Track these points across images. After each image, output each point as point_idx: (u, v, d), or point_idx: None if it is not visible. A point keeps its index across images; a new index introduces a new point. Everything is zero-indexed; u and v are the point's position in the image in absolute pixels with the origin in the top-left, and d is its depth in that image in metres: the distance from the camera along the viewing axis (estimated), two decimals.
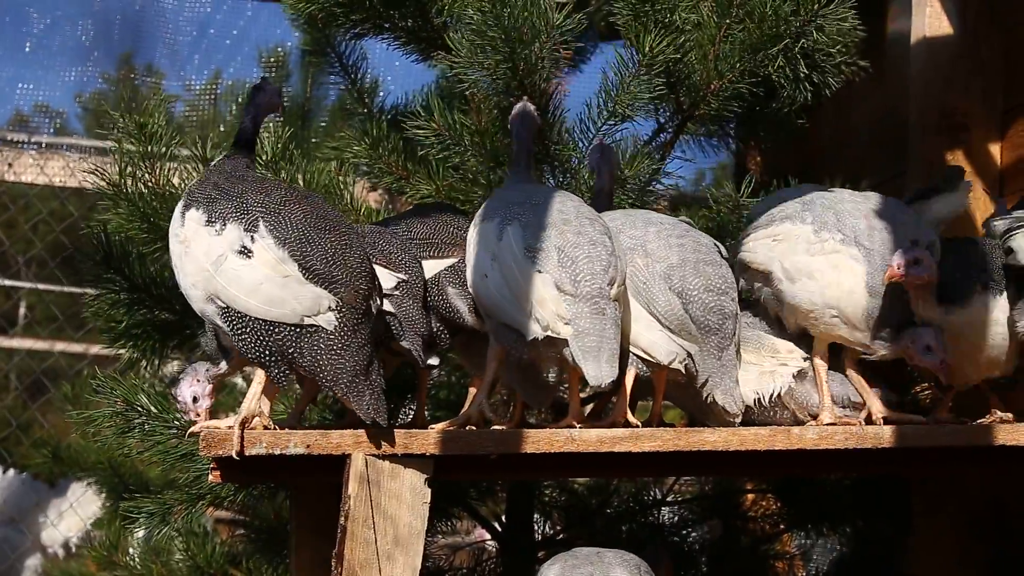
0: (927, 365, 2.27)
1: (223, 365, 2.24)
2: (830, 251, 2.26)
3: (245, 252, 2.01)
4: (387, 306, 2.18)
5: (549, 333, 2.02)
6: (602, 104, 2.79)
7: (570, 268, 2.03)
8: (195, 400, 2.23)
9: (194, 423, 2.17)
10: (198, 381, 2.25)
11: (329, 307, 2.00)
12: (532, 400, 2.46)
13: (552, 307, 2.02)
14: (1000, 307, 2.30)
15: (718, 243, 2.32)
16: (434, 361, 2.27)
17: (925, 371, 2.37)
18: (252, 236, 2.01)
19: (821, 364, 2.33)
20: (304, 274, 1.99)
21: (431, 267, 2.28)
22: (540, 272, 2.04)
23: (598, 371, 1.98)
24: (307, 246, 2.01)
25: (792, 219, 2.32)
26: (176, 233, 2.09)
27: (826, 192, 2.41)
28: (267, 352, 2.01)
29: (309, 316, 1.99)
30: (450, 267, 2.27)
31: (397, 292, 2.19)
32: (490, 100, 2.77)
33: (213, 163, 2.21)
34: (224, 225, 2.03)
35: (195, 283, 2.05)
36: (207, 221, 2.04)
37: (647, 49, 2.69)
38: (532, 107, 2.33)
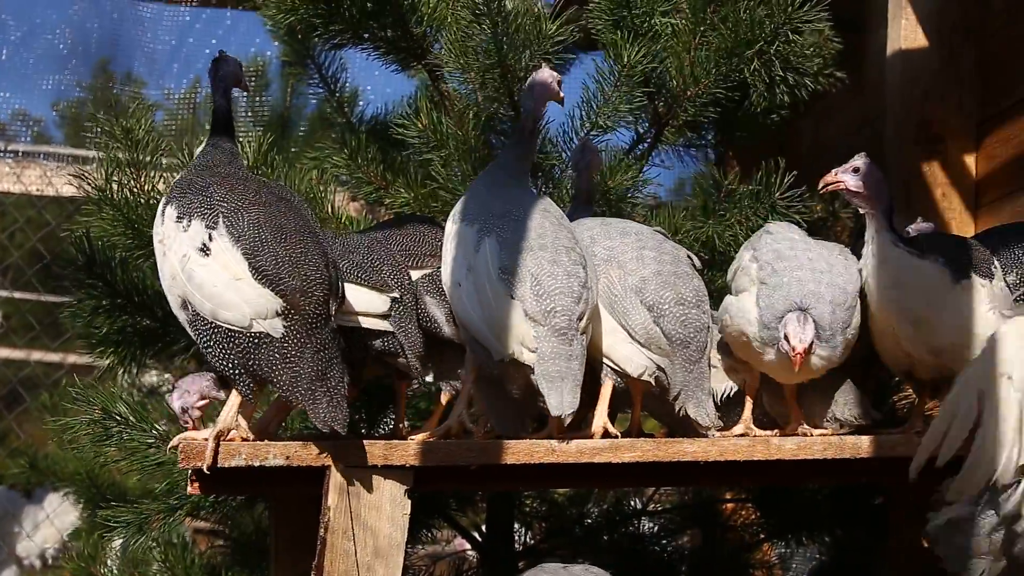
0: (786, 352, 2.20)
1: (221, 393, 2.25)
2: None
3: (204, 250, 1.99)
4: (385, 325, 2.18)
5: (515, 358, 2.04)
6: (584, 116, 2.80)
7: (542, 299, 2.03)
8: (183, 411, 2.26)
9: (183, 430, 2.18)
10: (188, 393, 2.26)
11: (276, 312, 1.96)
12: (500, 427, 2.40)
13: (520, 334, 2.03)
14: (982, 293, 2.27)
15: (692, 255, 2.33)
16: (430, 377, 2.28)
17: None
18: (211, 234, 1.99)
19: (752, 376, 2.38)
20: (254, 275, 1.97)
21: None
22: (512, 298, 2.04)
23: (560, 402, 1.99)
24: (260, 247, 1.98)
25: None
26: (156, 231, 2.08)
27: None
28: (231, 364, 1.99)
29: (258, 321, 1.96)
30: (427, 276, 2.27)
31: (393, 312, 2.19)
32: (473, 107, 2.78)
33: (197, 152, 2.18)
34: (190, 222, 2.01)
35: (170, 287, 2.04)
36: (177, 217, 2.03)
37: (626, 60, 2.70)
38: (546, 73, 2.24)
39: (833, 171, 2.31)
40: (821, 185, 2.35)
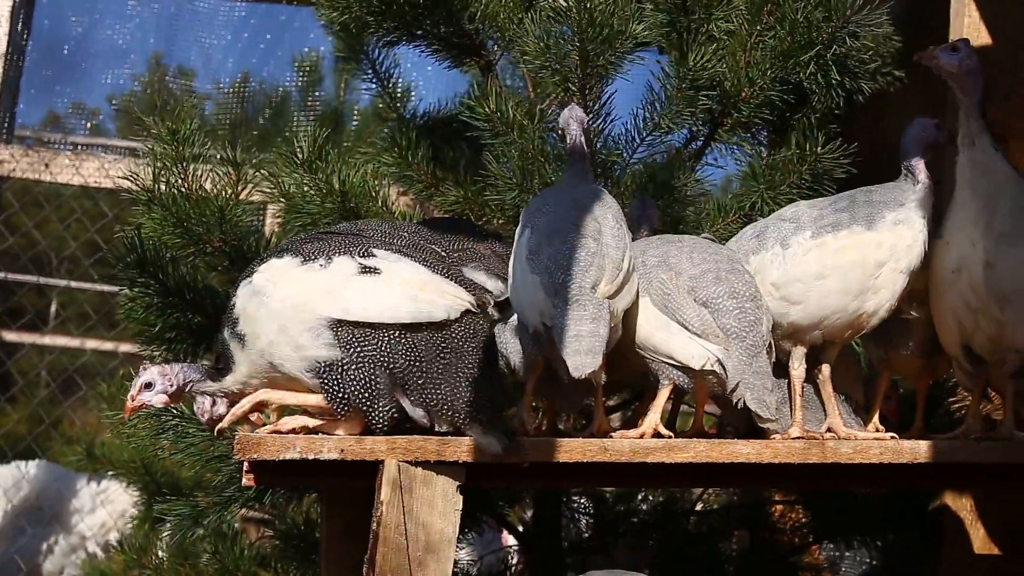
0: None
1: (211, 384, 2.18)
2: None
3: (370, 271, 2.11)
4: None
5: (539, 328, 2.10)
6: (647, 117, 2.80)
7: (553, 272, 2.11)
8: (148, 386, 2.15)
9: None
10: (165, 376, 2.16)
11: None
12: (561, 405, 2.48)
13: (541, 307, 2.10)
14: None
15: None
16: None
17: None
18: (368, 258, 2.14)
19: (798, 376, 2.30)
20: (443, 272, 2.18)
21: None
22: (533, 275, 2.12)
23: (577, 362, 2.01)
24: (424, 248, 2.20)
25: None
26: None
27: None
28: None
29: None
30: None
31: None
32: (526, 104, 2.79)
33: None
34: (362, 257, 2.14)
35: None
36: (360, 270, 2.14)
37: (691, 63, 2.70)
38: (577, 111, 2.37)
39: (931, 47, 2.20)
40: (915, 57, 2.26)
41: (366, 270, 2.11)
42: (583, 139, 2.34)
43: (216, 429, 2.19)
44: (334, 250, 2.13)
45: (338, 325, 2.07)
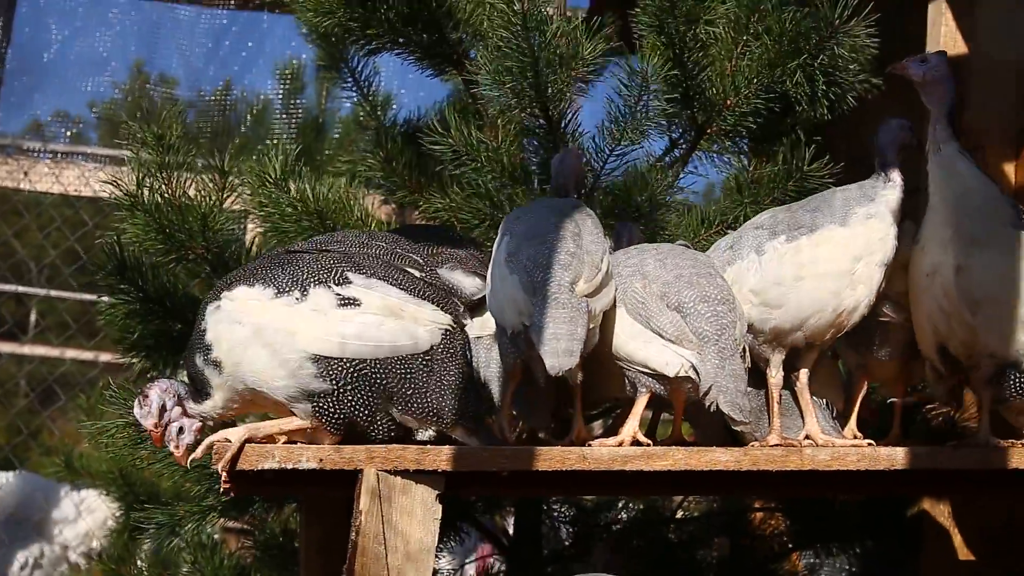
0: None
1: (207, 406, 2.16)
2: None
3: (349, 303, 2.09)
4: None
5: (518, 328, 2.10)
6: (614, 128, 2.80)
7: (532, 272, 2.12)
8: (180, 432, 2.15)
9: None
10: (165, 391, 2.13)
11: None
12: (531, 420, 2.45)
13: (520, 306, 2.11)
14: None
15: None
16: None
17: None
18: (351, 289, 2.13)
19: (776, 384, 2.30)
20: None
21: None
22: (512, 275, 2.14)
23: (554, 360, 2.03)
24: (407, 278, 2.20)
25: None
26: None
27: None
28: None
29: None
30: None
31: None
32: (507, 117, 2.79)
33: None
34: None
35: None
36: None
37: (655, 64, 2.70)
38: (572, 156, 2.40)
39: (905, 59, 2.28)
40: (888, 69, 2.34)
41: (344, 302, 2.08)
42: (571, 186, 2.37)
43: (190, 459, 2.17)
44: (308, 279, 2.09)
45: (324, 359, 2.06)
